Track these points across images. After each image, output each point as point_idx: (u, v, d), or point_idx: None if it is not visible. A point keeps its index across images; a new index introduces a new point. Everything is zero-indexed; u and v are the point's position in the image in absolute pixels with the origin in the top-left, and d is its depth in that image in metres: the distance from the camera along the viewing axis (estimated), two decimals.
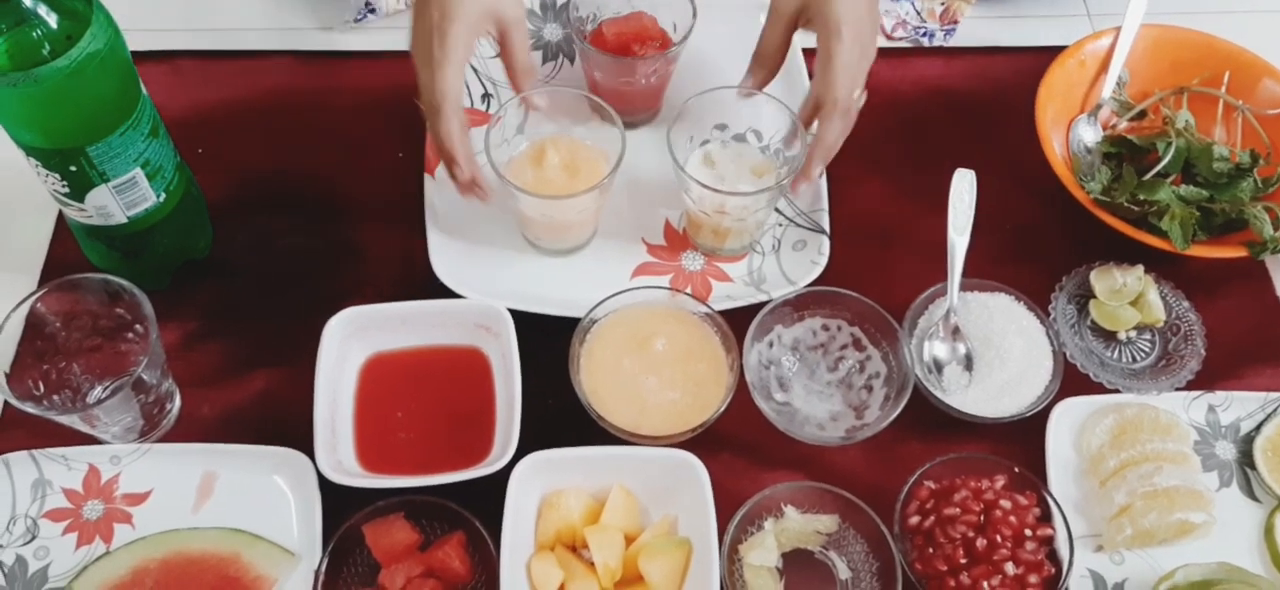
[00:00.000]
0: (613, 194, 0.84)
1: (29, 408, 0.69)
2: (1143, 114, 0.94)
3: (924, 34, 1.03)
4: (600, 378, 0.75)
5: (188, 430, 0.78)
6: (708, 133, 0.85)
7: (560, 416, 0.75)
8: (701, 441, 0.74)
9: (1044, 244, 0.90)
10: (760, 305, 0.80)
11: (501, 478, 0.71)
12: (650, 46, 0.88)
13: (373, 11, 0.99)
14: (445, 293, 0.80)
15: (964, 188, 0.83)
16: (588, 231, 0.85)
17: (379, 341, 0.78)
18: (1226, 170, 0.87)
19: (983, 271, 0.84)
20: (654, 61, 0.87)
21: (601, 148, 0.82)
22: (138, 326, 0.74)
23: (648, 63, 0.87)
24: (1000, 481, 0.74)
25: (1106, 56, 0.94)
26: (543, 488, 0.73)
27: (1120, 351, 0.84)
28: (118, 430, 0.74)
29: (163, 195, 0.77)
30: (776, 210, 0.88)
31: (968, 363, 0.81)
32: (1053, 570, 0.72)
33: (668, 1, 0.90)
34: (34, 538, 0.72)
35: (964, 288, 0.82)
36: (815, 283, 0.83)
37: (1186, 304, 0.85)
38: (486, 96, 0.94)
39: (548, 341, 0.77)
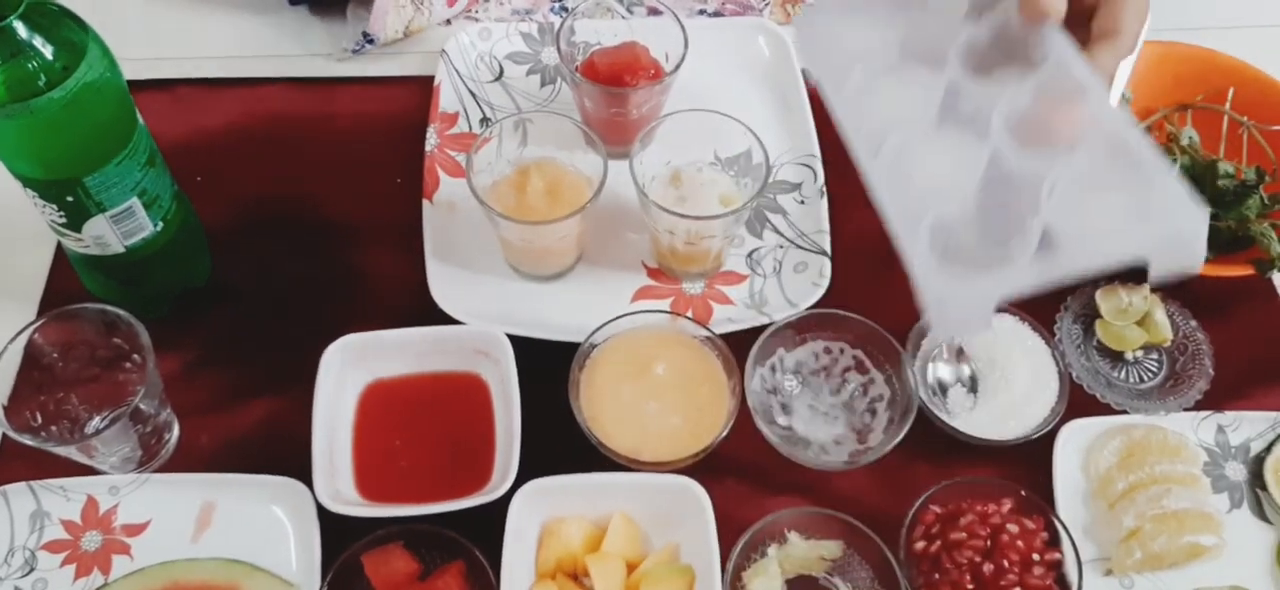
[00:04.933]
0: (605, 220, 0.84)
1: (27, 439, 0.69)
2: (1146, 131, 0.93)
3: None
4: (600, 403, 0.75)
5: (186, 460, 0.77)
6: (678, 158, 0.85)
7: (560, 443, 0.74)
8: (703, 467, 0.73)
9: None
10: (762, 328, 0.79)
11: (501, 506, 0.70)
12: (642, 77, 0.88)
13: (371, 42, 0.99)
14: (444, 319, 0.80)
15: None
16: (569, 259, 0.85)
17: (377, 368, 0.78)
18: (1232, 187, 0.86)
19: None
20: (645, 92, 0.87)
21: (585, 174, 0.82)
22: (135, 356, 0.74)
23: (639, 93, 0.87)
24: (1007, 505, 0.73)
25: None
26: (543, 515, 0.72)
27: (1127, 372, 0.84)
28: (116, 461, 0.74)
29: (160, 224, 0.76)
30: (777, 232, 0.88)
31: (972, 385, 0.80)
32: None
33: (660, 32, 0.90)
34: (32, 570, 0.71)
35: None
36: (817, 305, 0.82)
37: (1193, 323, 0.85)
38: (485, 121, 0.94)
39: (547, 367, 0.76)
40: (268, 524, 0.72)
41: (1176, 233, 0.50)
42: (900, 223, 0.53)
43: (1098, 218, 0.52)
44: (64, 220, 0.72)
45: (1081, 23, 0.59)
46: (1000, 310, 0.83)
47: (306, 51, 1.01)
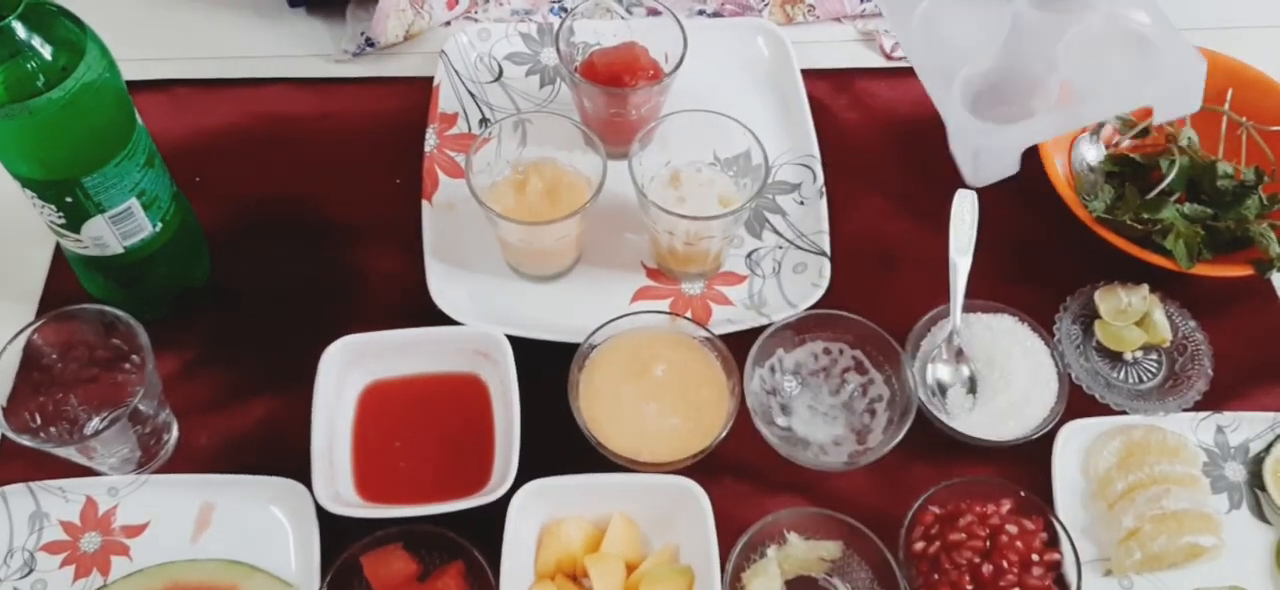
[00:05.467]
0: (605, 220, 0.84)
1: (25, 440, 0.69)
2: (1145, 132, 0.93)
3: None
4: (600, 404, 0.75)
5: (185, 461, 0.77)
6: (677, 158, 0.85)
7: (559, 444, 0.74)
8: (703, 468, 0.73)
9: (1047, 264, 0.89)
10: (761, 329, 0.79)
11: (501, 506, 0.70)
12: (641, 77, 0.88)
13: (371, 45, 0.99)
14: (443, 320, 0.80)
15: (965, 208, 0.83)
16: (569, 259, 0.85)
17: (377, 369, 0.78)
18: (1231, 188, 0.86)
19: (986, 292, 0.83)
20: (644, 92, 0.87)
21: (584, 175, 0.82)
22: (134, 357, 0.74)
23: (638, 94, 0.87)
24: (1006, 506, 0.73)
25: None
26: (542, 516, 0.72)
27: (1126, 372, 0.84)
28: (115, 461, 0.74)
29: (159, 225, 0.76)
30: (776, 233, 0.88)
31: (971, 385, 0.80)
32: None
33: (659, 32, 0.90)
34: (31, 571, 0.71)
35: (967, 309, 0.82)
36: (816, 306, 0.82)
37: (1193, 323, 0.85)
38: (484, 121, 0.94)
39: (546, 368, 0.77)
40: (267, 525, 0.72)
41: (1180, 84, 0.58)
42: (932, 79, 0.60)
43: (1110, 73, 0.57)
44: (63, 221, 0.72)
45: None
46: (1000, 310, 0.83)
47: (306, 52, 1.01)
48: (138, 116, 0.73)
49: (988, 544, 0.71)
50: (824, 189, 0.89)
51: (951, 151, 0.57)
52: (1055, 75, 0.58)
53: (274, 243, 0.88)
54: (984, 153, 0.58)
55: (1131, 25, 0.59)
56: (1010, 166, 0.59)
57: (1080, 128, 0.54)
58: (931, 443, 0.78)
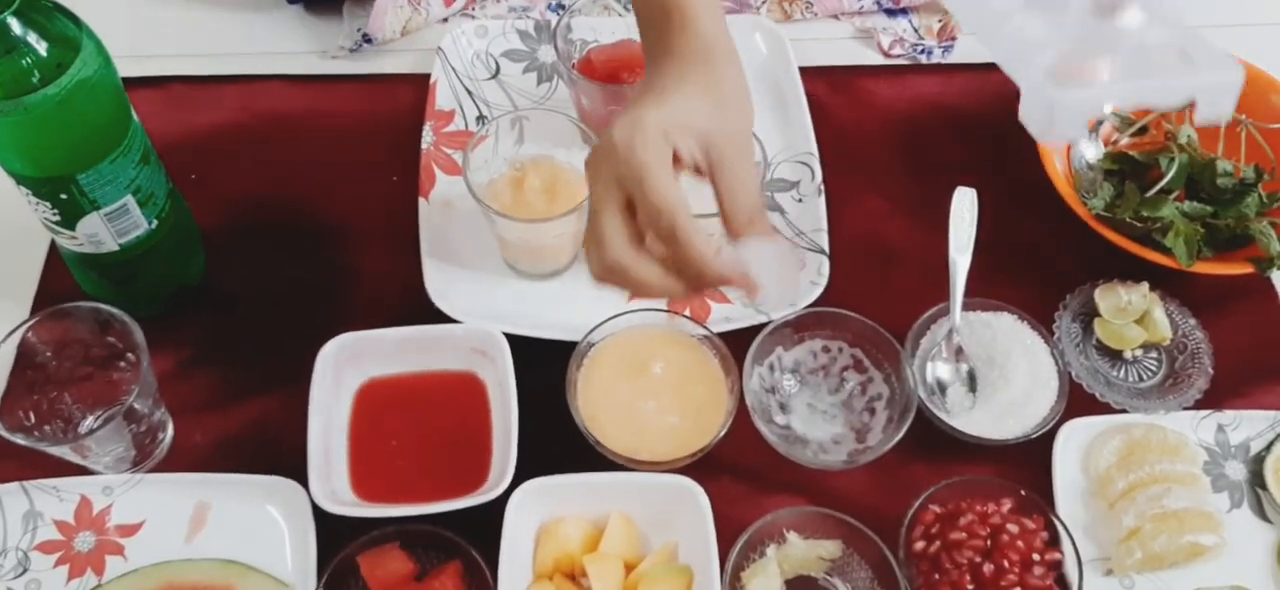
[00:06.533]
0: None
1: (19, 439, 0.68)
2: (1145, 130, 0.93)
3: (922, 51, 1.02)
4: (598, 402, 0.75)
5: (180, 459, 0.77)
6: None
7: (558, 442, 0.74)
8: (701, 466, 0.73)
9: (1047, 262, 0.89)
10: (760, 327, 0.79)
11: (498, 506, 0.70)
12: (639, 74, 0.87)
13: (369, 41, 0.99)
14: (440, 318, 0.79)
15: (965, 206, 0.83)
16: (566, 257, 0.84)
17: (373, 368, 0.77)
18: (1230, 186, 0.86)
19: (985, 290, 0.83)
20: None
21: (582, 172, 0.82)
22: (129, 355, 0.73)
23: (636, 90, 0.86)
24: (1007, 505, 0.73)
25: None
26: (540, 515, 0.72)
27: (1126, 371, 0.83)
28: (109, 460, 0.73)
29: (154, 222, 0.76)
30: (775, 230, 0.88)
31: (971, 383, 0.80)
32: None
33: None
34: (25, 571, 0.71)
35: (966, 307, 0.81)
36: (815, 304, 0.82)
37: (1193, 321, 0.84)
38: (482, 118, 0.94)
39: (544, 366, 0.76)
40: (263, 524, 0.72)
41: (1219, 83, 0.66)
42: (1005, 54, 0.67)
43: (1156, 69, 0.67)
44: (58, 218, 0.72)
45: None
46: (1000, 308, 0.82)
47: (302, 49, 1.00)
48: (133, 113, 0.72)
49: (988, 543, 0.71)
50: (822, 187, 0.89)
51: (1021, 117, 0.65)
52: (1114, 65, 0.67)
53: (270, 240, 0.88)
54: (1059, 108, 0.64)
55: (1175, 31, 0.69)
56: (1078, 129, 0.68)
57: (1135, 105, 0.68)
58: (931, 441, 0.78)
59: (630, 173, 0.57)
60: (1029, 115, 0.66)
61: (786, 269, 0.60)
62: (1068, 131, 0.69)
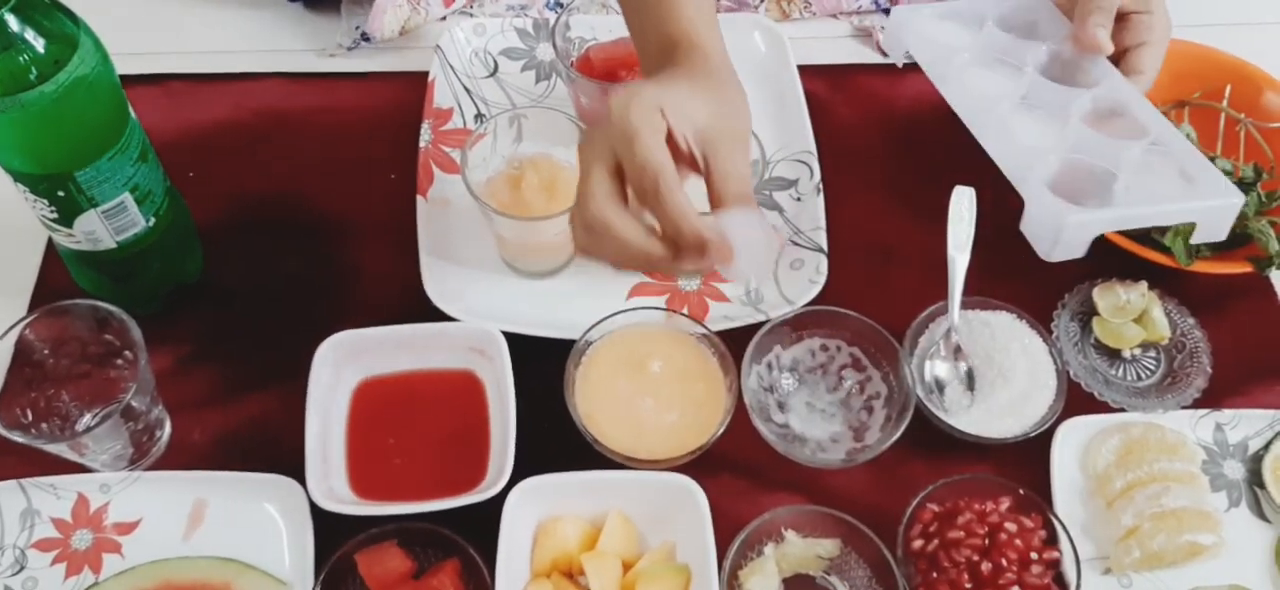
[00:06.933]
0: None
1: (17, 436, 0.68)
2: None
3: None
4: (596, 401, 0.74)
5: (178, 457, 0.77)
6: None
7: (555, 441, 0.74)
8: (700, 465, 0.73)
9: (1045, 261, 0.88)
10: (758, 325, 0.79)
11: (496, 504, 0.69)
12: (637, 73, 0.87)
13: (367, 40, 0.99)
14: (438, 316, 0.79)
15: (964, 204, 0.83)
16: (565, 255, 0.84)
17: (371, 366, 0.77)
18: None
19: (984, 289, 0.83)
20: None
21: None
22: (127, 353, 0.73)
23: None
24: (1005, 503, 0.73)
25: None
26: (538, 514, 0.72)
27: (1125, 370, 0.83)
28: (107, 458, 0.73)
29: (152, 220, 0.76)
30: (773, 228, 0.88)
31: (970, 382, 0.80)
32: None
33: None
34: (22, 568, 0.71)
35: (965, 306, 0.81)
36: (813, 302, 0.82)
37: (1191, 321, 0.84)
38: (480, 117, 0.94)
39: (542, 364, 0.76)
40: (260, 522, 0.72)
41: (1220, 208, 0.70)
42: (1013, 166, 0.72)
43: (1158, 188, 0.71)
44: (55, 215, 0.72)
45: (1113, 61, 0.78)
46: (998, 307, 0.82)
47: (300, 46, 1.00)
48: (131, 111, 0.72)
49: (986, 542, 0.71)
50: (821, 185, 0.89)
51: (1023, 229, 0.70)
52: (1119, 182, 0.72)
53: (268, 238, 0.87)
54: (1066, 230, 0.68)
55: (1173, 153, 0.73)
56: (1080, 248, 0.70)
57: (1139, 225, 0.73)
58: (929, 440, 0.78)
59: (621, 133, 0.58)
60: (1033, 232, 0.69)
61: (764, 245, 0.60)
62: (1072, 251, 0.70)
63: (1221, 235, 0.71)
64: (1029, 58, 0.80)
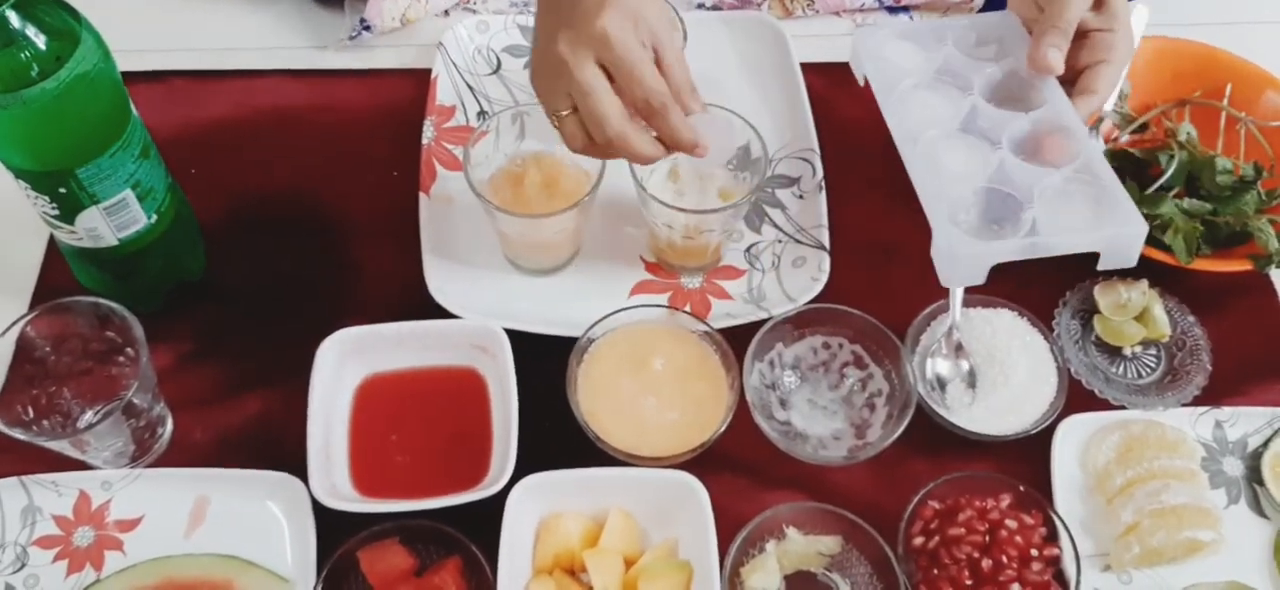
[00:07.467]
0: (603, 214, 0.84)
1: (18, 434, 0.68)
2: (1144, 127, 0.93)
3: None
4: (598, 398, 0.75)
5: (180, 454, 0.77)
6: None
7: (557, 438, 0.74)
8: (701, 462, 0.73)
9: (1046, 259, 0.88)
10: (760, 323, 0.79)
11: (498, 501, 0.70)
12: None
13: (368, 29, 0.99)
14: (440, 313, 0.79)
15: None
16: (567, 252, 0.84)
17: (373, 363, 0.77)
18: (1230, 183, 0.86)
19: (985, 287, 0.83)
20: None
21: (583, 168, 0.82)
22: (128, 350, 0.73)
23: None
24: (1005, 500, 0.73)
25: None
26: (540, 511, 0.72)
27: (1125, 367, 0.84)
28: (108, 455, 0.73)
29: (154, 217, 0.76)
30: (775, 227, 0.88)
31: (971, 380, 0.80)
32: None
33: None
34: (24, 566, 0.71)
35: (966, 304, 0.81)
36: (816, 300, 0.82)
37: (1191, 319, 0.84)
38: (482, 114, 0.93)
39: (545, 362, 0.76)
40: (262, 520, 0.72)
41: (1124, 236, 0.71)
42: (927, 196, 0.73)
43: (1070, 216, 0.73)
44: (57, 212, 0.72)
45: (1066, 81, 0.78)
46: (999, 305, 0.82)
47: (302, 43, 1.00)
48: (133, 107, 0.72)
49: (987, 539, 0.71)
50: (823, 183, 0.89)
51: (932, 254, 0.72)
52: (1029, 211, 0.73)
53: (270, 235, 0.87)
54: (960, 259, 0.71)
55: (1091, 185, 0.74)
56: (979, 276, 0.72)
57: (1038, 255, 0.72)
58: (930, 437, 0.78)
59: (620, 59, 0.67)
60: (937, 259, 0.72)
61: (723, 133, 0.74)
62: (969, 279, 0.72)
63: (1130, 262, 0.72)
64: (977, 80, 0.79)
